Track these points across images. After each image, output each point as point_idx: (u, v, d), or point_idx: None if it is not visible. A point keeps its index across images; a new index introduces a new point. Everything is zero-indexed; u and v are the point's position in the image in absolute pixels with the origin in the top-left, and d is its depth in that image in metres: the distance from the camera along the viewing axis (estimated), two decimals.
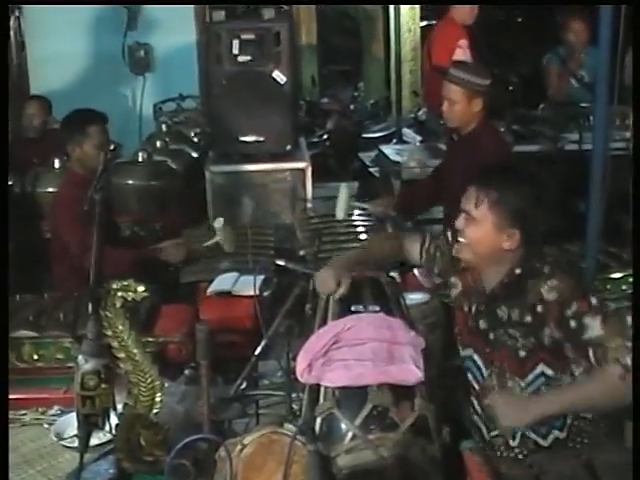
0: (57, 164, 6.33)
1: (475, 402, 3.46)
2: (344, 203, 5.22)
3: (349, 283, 3.44)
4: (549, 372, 3.25)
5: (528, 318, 3.24)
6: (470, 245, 3.36)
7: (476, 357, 3.46)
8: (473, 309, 3.48)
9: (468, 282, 3.55)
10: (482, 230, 3.32)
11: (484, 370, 3.42)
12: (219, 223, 5.35)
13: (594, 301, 3.13)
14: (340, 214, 5.22)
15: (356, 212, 5.56)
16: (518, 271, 3.32)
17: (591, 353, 3.07)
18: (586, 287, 3.24)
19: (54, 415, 3.74)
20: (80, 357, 3.03)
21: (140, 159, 6.48)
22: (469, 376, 3.50)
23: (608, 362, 3.02)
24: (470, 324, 3.49)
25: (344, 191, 5.26)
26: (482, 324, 3.42)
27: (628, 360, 2.97)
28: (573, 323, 3.10)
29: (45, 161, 6.50)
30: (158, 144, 7.07)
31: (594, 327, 3.07)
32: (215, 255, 5.11)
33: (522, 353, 3.27)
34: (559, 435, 3.28)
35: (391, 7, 10.70)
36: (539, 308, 3.20)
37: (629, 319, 3.07)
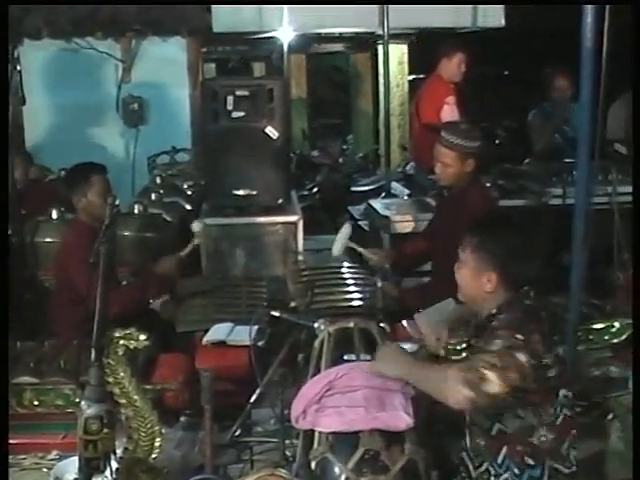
0: (55, 215, 6.41)
1: (467, 437, 3.53)
2: (342, 240, 5.29)
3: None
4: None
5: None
6: (461, 288, 3.61)
7: None
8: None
9: None
10: (467, 272, 3.55)
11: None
12: (198, 227, 5.49)
13: (519, 337, 3.22)
14: (336, 251, 5.29)
15: (346, 265, 5.64)
16: (493, 312, 3.48)
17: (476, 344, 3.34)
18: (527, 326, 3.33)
19: (53, 459, 3.84)
20: (83, 403, 3.13)
21: (136, 211, 6.59)
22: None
23: (470, 370, 3.11)
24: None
25: (346, 230, 5.33)
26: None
27: (471, 391, 3.07)
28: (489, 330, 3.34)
29: (40, 212, 6.56)
30: (153, 196, 7.17)
31: (495, 344, 3.21)
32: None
33: None
34: None
35: (380, 62, 10.85)
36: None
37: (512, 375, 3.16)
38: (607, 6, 4.85)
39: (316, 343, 3.62)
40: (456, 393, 3.07)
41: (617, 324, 5.10)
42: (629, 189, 6.93)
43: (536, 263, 3.54)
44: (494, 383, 3.10)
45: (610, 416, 4.62)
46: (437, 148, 5.38)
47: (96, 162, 5.50)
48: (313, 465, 2.87)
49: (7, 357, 3.65)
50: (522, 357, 3.16)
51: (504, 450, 3.34)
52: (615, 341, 5.07)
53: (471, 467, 3.48)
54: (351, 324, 3.65)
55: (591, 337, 5.04)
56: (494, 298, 3.49)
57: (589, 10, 4.51)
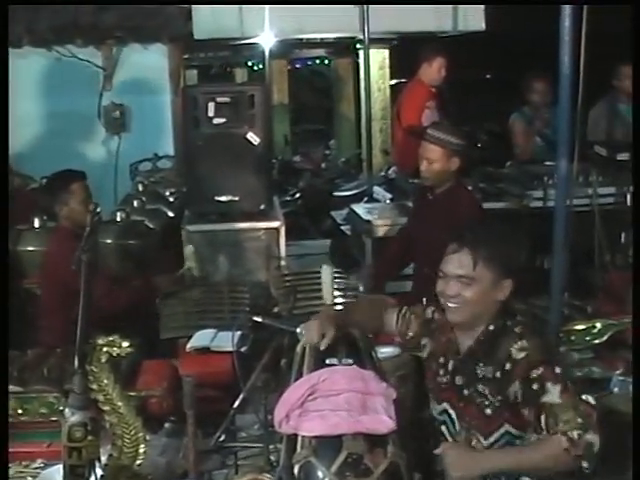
0: (37, 223, 6.40)
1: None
2: (329, 286, 5.28)
3: (332, 335, 3.53)
4: (513, 431, 3.37)
5: (497, 374, 3.36)
6: (467, 306, 3.46)
7: (451, 411, 3.57)
8: (450, 366, 3.59)
9: (441, 342, 3.67)
10: (481, 288, 3.43)
11: (457, 424, 3.54)
12: (189, 250, 5.50)
13: (558, 370, 3.24)
14: (329, 299, 5.28)
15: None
16: (492, 328, 3.46)
17: (543, 418, 3.18)
18: (552, 354, 3.33)
19: (37, 468, 3.82)
20: (67, 410, 3.14)
21: (118, 219, 6.58)
22: (444, 429, 3.61)
23: (557, 432, 3.12)
24: (445, 380, 3.60)
25: (327, 274, 5.32)
26: (458, 380, 3.53)
27: (575, 434, 3.08)
28: (535, 385, 3.22)
29: (23, 221, 6.55)
30: (135, 204, 7.16)
31: (553, 394, 3.18)
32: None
33: (488, 411, 3.40)
34: None
35: (361, 67, 10.88)
36: (507, 366, 3.32)
37: (587, 397, 3.22)
38: (585, 8, 4.90)
39: (298, 348, 3.62)
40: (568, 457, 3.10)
41: (598, 325, 5.14)
42: (609, 191, 7.02)
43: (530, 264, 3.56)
44: (592, 433, 3.11)
45: None
46: (423, 145, 5.43)
47: (75, 169, 5.50)
48: (296, 469, 2.88)
49: (7, 365, 3.66)
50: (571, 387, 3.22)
51: None
52: (596, 342, 5.11)
53: None
54: None
55: (572, 338, 5.08)
56: (490, 310, 3.48)
57: (567, 13, 4.55)
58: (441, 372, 3.63)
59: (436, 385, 3.67)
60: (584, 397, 3.23)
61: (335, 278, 5.44)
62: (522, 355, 3.29)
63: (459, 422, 3.53)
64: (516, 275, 3.45)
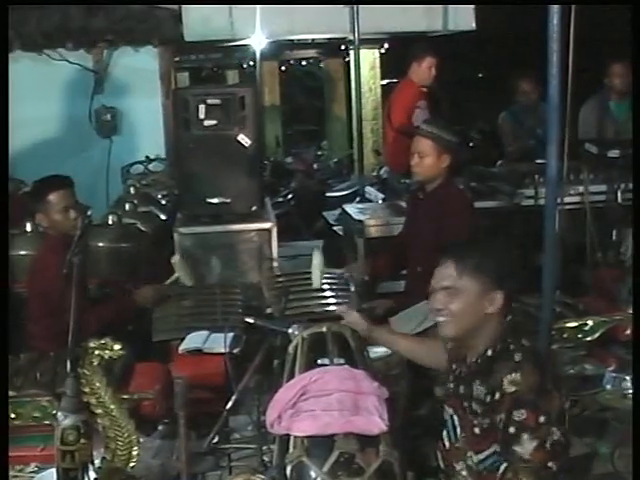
0: (29, 227, 6.40)
1: (440, 458, 3.57)
2: (318, 270, 5.30)
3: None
4: (500, 450, 3.28)
5: (488, 399, 3.31)
6: (455, 319, 3.43)
7: (455, 418, 3.53)
8: (457, 374, 3.57)
9: (454, 349, 3.66)
10: (466, 300, 3.39)
11: (459, 432, 3.49)
12: (176, 259, 5.51)
13: (542, 419, 3.14)
14: (317, 282, 5.30)
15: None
16: (492, 350, 3.39)
17: (504, 466, 3.19)
18: (543, 398, 3.20)
19: (32, 472, 3.83)
20: (60, 413, 3.14)
21: (110, 222, 6.58)
22: (444, 433, 3.57)
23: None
24: (452, 387, 3.58)
25: (317, 258, 5.34)
26: (461, 390, 3.50)
27: None
28: (512, 429, 3.16)
29: (15, 225, 6.54)
30: (127, 207, 7.16)
31: (526, 448, 3.13)
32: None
33: (477, 430, 3.36)
34: None
35: (352, 67, 10.89)
36: (497, 395, 3.26)
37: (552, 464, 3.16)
38: (572, 7, 4.91)
39: (290, 348, 3.63)
40: None
41: (590, 322, 5.16)
42: (600, 188, 7.04)
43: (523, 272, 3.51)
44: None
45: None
46: (415, 140, 5.46)
47: (59, 175, 5.44)
48: (289, 469, 2.88)
49: (7, 369, 3.66)
50: (555, 436, 3.15)
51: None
52: (589, 339, 5.13)
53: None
54: (324, 329, 3.66)
55: (565, 336, 5.10)
56: (494, 324, 3.42)
57: (555, 12, 4.56)
58: (450, 378, 3.62)
59: (445, 390, 3.67)
60: (550, 464, 3.14)
61: (327, 278, 5.48)
62: (512, 389, 3.21)
63: (461, 431, 3.48)
64: (507, 286, 3.40)
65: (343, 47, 11.95)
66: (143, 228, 6.87)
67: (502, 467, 3.20)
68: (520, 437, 3.13)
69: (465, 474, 3.41)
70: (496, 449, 3.27)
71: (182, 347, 4.71)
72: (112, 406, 3.32)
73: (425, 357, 3.94)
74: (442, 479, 3.56)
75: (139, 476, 3.43)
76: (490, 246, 3.57)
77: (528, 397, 3.17)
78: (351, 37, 9.24)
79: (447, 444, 3.54)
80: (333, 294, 5.29)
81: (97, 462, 3.31)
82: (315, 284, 5.28)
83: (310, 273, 5.45)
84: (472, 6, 9.58)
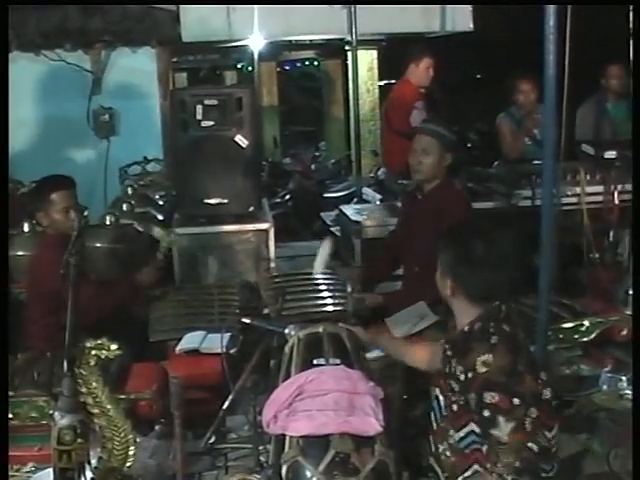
0: (26, 228, 6.40)
1: (432, 442, 3.55)
2: (324, 257, 5.29)
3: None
4: (478, 431, 3.30)
5: (462, 377, 3.34)
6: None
7: (440, 398, 3.53)
8: (446, 351, 3.59)
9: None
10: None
11: (443, 411, 3.50)
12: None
13: (516, 401, 3.18)
14: (318, 268, 5.28)
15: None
16: (474, 326, 3.44)
17: (486, 447, 3.22)
18: (515, 381, 3.23)
19: (29, 472, 3.84)
20: (56, 413, 3.15)
21: (107, 222, 6.58)
22: (432, 415, 3.58)
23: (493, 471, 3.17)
24: (441, 367, 3.58)
25: (326, 246, 5.32)
26: (446, 369, 3.50)
27: (509, 478, 3.14)
28: (487, 413, 3.20)
29: (12, 226, 6.53)
30: (124, 207, 7.16)
31: (503, 430, 3.17)
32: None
33: (455, 407, 3.38)
34: None
35: (350, 68, 10.89)
36: (470, 374, 3.29)
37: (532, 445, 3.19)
38: (569, 7, 4.92)
39: (286, 348, 3.64)
40: None
41: (586, 323, 5.17)
42: (597, 189, 7.03)
43: (503, 277, 3.51)
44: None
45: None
46: (417, 138, 5.44)
47: (61, 175, 5.46)
48: (284, 469, 2.89)
49: (7, 369, 3.66)
50: (534, 414, 3.19)
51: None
52: (585, 340, 5.14)
53: (440, 472, 3.50)
54: (320, 329, 3.67)
55: (561, 336, 5.11)
56: (464, 310, 3.50)
57: (551, 13, 4.57)
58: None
59: (436, 370, 3.67)
60: (530, 444, 3.18)
61: (324, 279, 5.48)
62: (483, 370, 3.25)
63: (445, 410, 3.48)
64: (457, 281, 3.50)
65: (341, 48, 11.95)
66: (140, 229, 6.86)
67: (484, 449, 3.23)
68: (496, 420, 3.17)
69: (449, 454, 3.41)
70: (474, 429, 3.30)
71: (179, 347, 4.72)
72: (109, 406, 3.32)
73: (425, 363, 3.94)
74: (432, 462, 3.55)
75: (136, 476, 3.43)
76: (456, 243, 3.60)
77: (498, 379, 3.22)
78: (349, 38, 9.25)
79: (434, 425, 3.55)
80: (330, 295, 5.29)
81: (94, 462, 3.32)
82: (316, 270, 5.26)
83: (308, 274, 5.46)
84: (470, 7, 9.60)
